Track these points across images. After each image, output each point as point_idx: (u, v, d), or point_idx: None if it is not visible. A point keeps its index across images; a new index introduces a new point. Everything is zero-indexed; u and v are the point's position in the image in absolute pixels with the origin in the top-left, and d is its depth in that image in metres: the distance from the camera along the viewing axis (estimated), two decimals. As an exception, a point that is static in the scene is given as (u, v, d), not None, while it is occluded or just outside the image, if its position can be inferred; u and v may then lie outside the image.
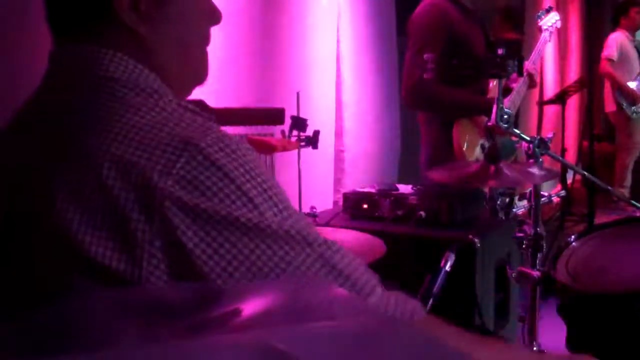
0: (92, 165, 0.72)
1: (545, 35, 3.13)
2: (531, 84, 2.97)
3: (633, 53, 5.81)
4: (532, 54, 3.06)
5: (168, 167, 0.72)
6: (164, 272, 0.71)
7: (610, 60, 5.70)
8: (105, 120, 0.76)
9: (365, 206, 2.44)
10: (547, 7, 3.29)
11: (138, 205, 0.71)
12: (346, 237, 1.97)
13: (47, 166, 0.75)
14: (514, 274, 1.82)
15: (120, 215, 0.71)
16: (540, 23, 3.15)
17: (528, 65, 2.95)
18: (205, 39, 0.94)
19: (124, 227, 0.70)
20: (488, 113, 2.55)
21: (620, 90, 5.73)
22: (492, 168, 1.82)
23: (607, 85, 5.88)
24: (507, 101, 2.70)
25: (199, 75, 0.95)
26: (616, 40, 5.75)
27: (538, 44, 3.11)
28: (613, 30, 6.00)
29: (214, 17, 0.94)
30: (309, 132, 1.89)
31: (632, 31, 5.82)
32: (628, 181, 5.96)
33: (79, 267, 0.71)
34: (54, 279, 0.73)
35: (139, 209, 0.71)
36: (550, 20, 3.15)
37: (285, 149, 1.88)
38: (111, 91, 0.79)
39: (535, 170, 1.81)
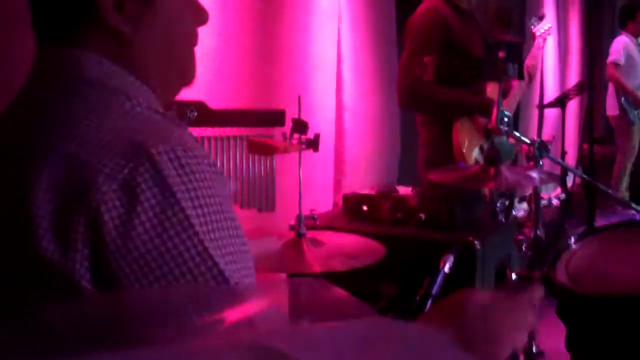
0: (50, 164, 0.72)
1: (539, 41, 3.15)
2: (529, 79, 2.99)
3: (638, 57, 5.82)
4: (528, 57, 3.08)
5: (115, 171, 0.70)
6: (90, 278, 0.70)
7: (616, 64, 5.71)
8: (67, 120, 0.76)
9: (365, 208, 2.44)
10: (539, 14, 3.32)
11: (79, 206, 0.70)
12: (345, 240, 1.98)
13: (23, 165, 0.75)
14: (514, 276, 1.82)
15: (65, 215, 0.70)
16: (534, 30, 3.17)
17: (527, 60, 2.97)
18: (193, 39, 0.93)
19: (66, 227, 0.70)
20: (483, 113, 2.57)
21: (626, 94, 5.73)
22: (492, 170, 1.82)
23: (611, 89, 5.89)
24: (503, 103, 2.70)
25: (187, 75, 0.94)
26: (622, 44, 5.75)
27: (532, 50, 3.13)
28: (614, 33, 6.01)
29: (201, 16, 0.93)
30: (310, 134, 1.89)
31: (636, 35, 5.83)
32: (625, 184, 5.97)
33: (35, 262, 0.71)
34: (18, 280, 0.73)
35: (79, 210, 0.70)
36: (544, 27, 3.17)
37: (286, 150, 1.88)
38: (80, 92, 0.79)
39: (535, 173, 1.81)
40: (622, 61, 5.70)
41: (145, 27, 0.85)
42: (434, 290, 1.81)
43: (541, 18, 3.23)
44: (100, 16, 0.82)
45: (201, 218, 0.73)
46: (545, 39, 3.18)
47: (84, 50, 0.82)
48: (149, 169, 0.71)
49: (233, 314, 0.56)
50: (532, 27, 3.19)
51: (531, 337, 1.82)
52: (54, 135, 0.75)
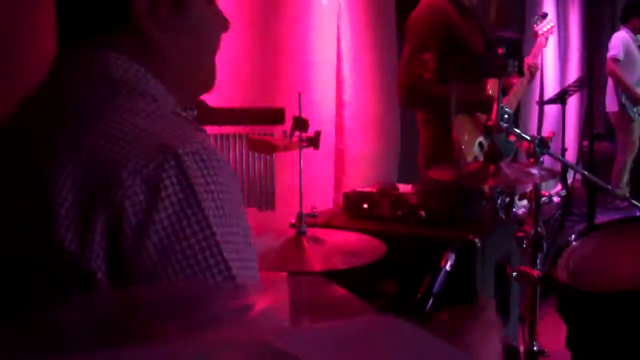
0: (73, 157, 0.73)
1: (541, 40, 3.15)
2: (530, 77, 2.99)
3: (637, 53, 5.81)
4: (530, 54, 3.08)
5: (140, 165, 0.71)
6: (105, 270, 0.71)
7: (616, 60, 5.70)
8: (92, 117, 0.77)
9: (365, 206, 2.44)
10: (542, 13, 3.31)
11: (102, 199, 0.71)
12: (346, 238, 1.98)
13: (45, 158, 0.75)
14: (514, 274, 1.82)
15: (87, 208, 0.71)
16: (536, 28, 3.17)
17: (529, 59, 2.96)
18: (216, 46, 0.94)
19: (86, 218, 0.71)
20: (485, 110, 2.57)
21: (625, 90, 5.73)
22: (492, 167, 1.82)
23: (610, 85, 5.88)
24: (504, 101, 2.70)
25: (208, 82, 0.95)
26: (622, 40, 5.75)
27: (534, 48, 3.13)
28: (614, 29, 5.99)
29: (224, 25, 0.95)
30: (310, 132, 1.89)
31: (636, 32, 5.82)
32: (625, 180, 5.97)
33: (54, 251, 0.71)
34: (37, 270, 0.74)
35: (102, 203, 0.71)
36: (546, 26, 3.17)
37: (286, 148, 1.88)
38: (106, 91, 0.80)
39: (535, 169, 1.81)
40: (621, 56, 5.70)
41: (175, 33, 0.86)
42: (435, 288, 1.81)
43: (544, 17, 3.22)
44: (134, 20, 0.82)
45: (219, 219, 0.74)
46: (547, 38, 3.18)
47: (112, 51, 0.82)
48: (174, 168, 0.72)
49: (235, 313, 0.56)
50: (535, 25, 3.18)
51: (532, 336, 1.82)
52: (78, 129, 0.76)
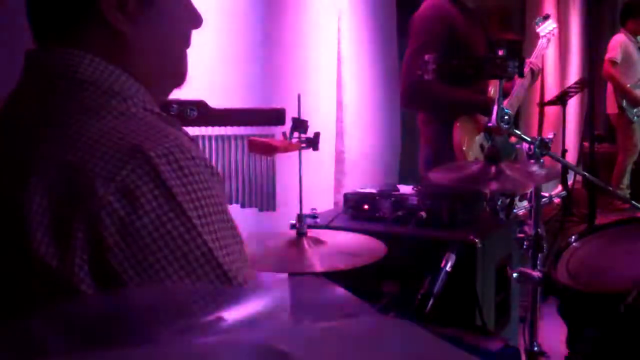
0: (46, 169, 0.72)
1: (542, 41, 3.14)
2: (533, 78, 2.98)
3: (636, 55, 5.81)
4: (532, 55, 3.07)
5: (112, 173, 0.70)
6: (91, 282, 0.70)
7: (613, 62, 5.70)
8: (62, 123, 0.76)
9: (365, 207, 2.44)
10: (544, 14, 3.30)
11: (78, 212, 0.70)
12: (346, 239, 1.98)
13: (18, 170, 0.75)
14: (514, 275, 1.82)
15: (63, 220, 0.70)
16: (538, 30, 3.16)
17: (531, 60, 2.96)
18: (186, 41, 0.94)
19: (65, 231, 0.70)
20: (486, 112, 2.57)
21: (622, 92, 5.73)
22: (494, 170, 1.82)
23: (610, 87, 5.88)
24: (505, 102, 2.70)
25: (179, 76, 0.95)
26: (620, 42, 5.75)
27: (536, 49, 3.13)
28: (615, 31, 5.99)
29: (196, 20, 0.94)
30: (310, 133, 1.89)
31: (636, 34, 5.83)
32: (626, 182, 5.97)
33: (33, 267, 0.71)
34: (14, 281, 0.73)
35: (78, 216, 0.70)
36: (548, 28, 3.16)
37: (286, 150, 1.88)
38: (75, 93, 0.79)
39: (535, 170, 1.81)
40: (618, 59, 5.70)
41: (144, 27, 0.85)
42: (436, 288, 1.81)
43: (545, 18, 3.21)
44: (102, 15, 0.82)
45: (202, 219, 0.73)
46: (549, 40, 3.17)
47: (80, 49, 0.82)
48: (149, 172, 0.71)
49: (234, 313, 0.56)
50: (537, 27, 3.18)
51: (532, 336, 1.82)
52: (49, 138, 0.75)
